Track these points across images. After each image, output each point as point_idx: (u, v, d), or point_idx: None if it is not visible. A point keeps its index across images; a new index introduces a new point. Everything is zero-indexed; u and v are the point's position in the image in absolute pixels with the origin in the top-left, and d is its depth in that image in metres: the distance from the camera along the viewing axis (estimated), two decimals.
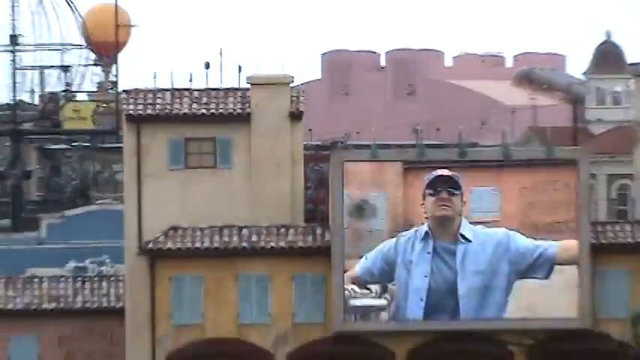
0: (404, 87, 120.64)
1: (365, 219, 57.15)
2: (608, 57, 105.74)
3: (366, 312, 57.86)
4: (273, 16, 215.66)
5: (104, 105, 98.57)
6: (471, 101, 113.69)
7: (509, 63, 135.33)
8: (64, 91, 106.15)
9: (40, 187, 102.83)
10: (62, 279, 68.36)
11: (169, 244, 58.71)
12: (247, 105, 61.23)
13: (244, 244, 58.64)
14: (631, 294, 58.37)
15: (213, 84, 65.22)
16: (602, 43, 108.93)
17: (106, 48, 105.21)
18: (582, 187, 59.02)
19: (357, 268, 57.51)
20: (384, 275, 57.35)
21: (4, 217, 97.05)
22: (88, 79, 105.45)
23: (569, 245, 57.42)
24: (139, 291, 59.25)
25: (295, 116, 61.74)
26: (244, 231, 59.00)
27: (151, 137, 60.73)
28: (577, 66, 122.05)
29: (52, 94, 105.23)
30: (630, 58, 75.06)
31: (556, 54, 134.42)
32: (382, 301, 57.62)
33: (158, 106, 61.90)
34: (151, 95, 62.92)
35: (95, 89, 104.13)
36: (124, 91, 73.19)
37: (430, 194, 56.95)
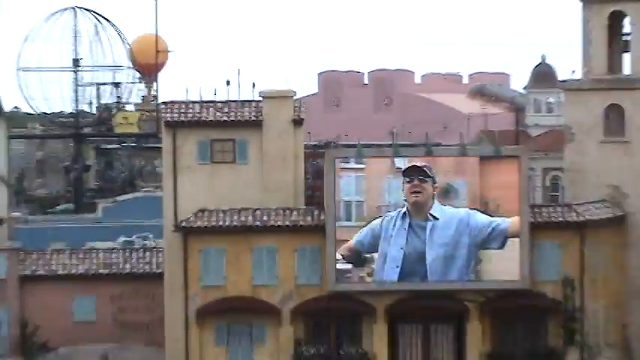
0: (382, 99, 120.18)
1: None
2: (543, 75, 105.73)
3: (342, 274, 58.26)
4: (279, 43, 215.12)
5: (147, 114, 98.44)
6: (436, 111, 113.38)
7: (465, 80, 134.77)
8: (115, 102, 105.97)
9: (97, 178, 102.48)
10: (114, 250, 68.65)
11: (198, 223, 59.07)
12: (259, 113, 61.39)
13: (257, 222, 58.92)
14: (561, 262, 58.57)
15: (233, 97, 65.45)
16: (538, 65, 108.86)
17: (148, 69, 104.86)
18: (523, 177, 59.33)
19: (353, 239, 57.78)
20: (371, 246, 57.58)
21: (68, 202, 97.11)
22: (135, 93, 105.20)
23: (516, 220, 57.73)
24: (174, 260, 59.54)
25: (297, 122, 61.82)
26: (257, 212, 59.26)
27: (184, 139, 61.06)
28: (519, 82, 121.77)
29: (106, 105, 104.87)
30: (560, 76, 74.98)
31: (502, 73, 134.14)
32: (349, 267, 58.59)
33: (189, 115, 62.13)
34: (183, 106, 63.21)
35: (140, 101, 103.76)
36: (162, 102, 73.70)
37: (406, 182, 57.26)
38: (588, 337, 58.75)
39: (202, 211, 59.42)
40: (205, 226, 59.08)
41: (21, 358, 63.16)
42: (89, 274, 64.63)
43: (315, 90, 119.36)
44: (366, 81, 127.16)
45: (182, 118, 61.88)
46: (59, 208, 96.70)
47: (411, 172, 57.48)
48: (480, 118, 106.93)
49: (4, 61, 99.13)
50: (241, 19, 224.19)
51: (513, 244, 57.90)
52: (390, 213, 57.59)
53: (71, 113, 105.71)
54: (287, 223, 59.17)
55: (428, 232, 57.23)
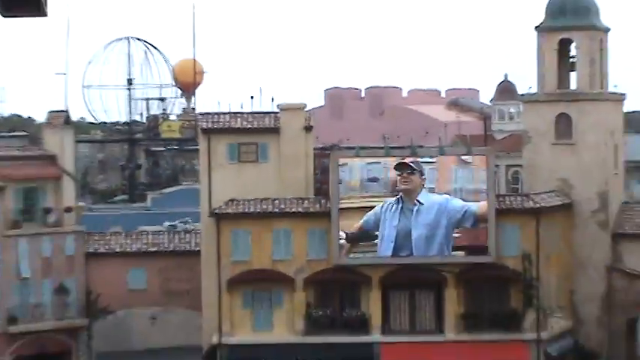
0: (377, 110, 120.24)
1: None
2: (506, 90, 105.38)
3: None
4: (293, 66, 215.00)
5: (187, 122, 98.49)
6: (419, 119, 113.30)
7: (443, 94, 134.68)
8: (161, 114, 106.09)
9: (146, 174, 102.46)
10: (160, 232, 68.54)
11: (229, 210, 59.08)
12: (277, 122, 61.34)
13: (276, 209, 58.99)
14: (521, 240, 58.51)
15: (256, 109, 65.66)
16: (502, 82, 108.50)
17: (187, 86, 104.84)
18: (490, 172, 59.50)
19: (362, 220, 57.95)
20: (375, 225, 57.55)
21: (124, 194, 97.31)
22: (177, 106, 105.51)
23: (484, 205, 57.65)
24: (209, 240, 59.48)
25: (307, 129, 61.75)
26: (276, 201, 59.23)
27: (217, 142, 61.07)
28: (486, 96, 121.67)
29: (154, 115, 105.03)
30: (520, 90, 74.87)
31: (473, 88, 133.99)
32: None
33: (221, 123, 62.25)
34: (216, 116, 63.39)
35: (181, 112, 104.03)
36: (199, 113, 73.63)
37: (398, 174, 57.59)
38: (543, 301, 58.74)
39: (232, 200, 59.44)
40: (234, 213, 59.19)
41: (86, 320, 63.28)
42: (140, 251, 64.85)
43: (322, 103, 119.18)
44: (363, 95, 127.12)
45: (215, 126, 62.05)
46: (116, 198, 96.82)
47: (400, 168, 57.82)
48: (454, 125, 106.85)
49: (72, 80, 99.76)
50: (263, 46, 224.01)
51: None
52: (389, 200, 57.62)
53: (126, 122, 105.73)
54: (300, 209, 59.29)
55: (414, 214, 57.35)
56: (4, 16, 8.58)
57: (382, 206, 57.68)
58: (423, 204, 57.34)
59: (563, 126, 63.43)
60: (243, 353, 58.51)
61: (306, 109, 64.53)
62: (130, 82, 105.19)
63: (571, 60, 64.71)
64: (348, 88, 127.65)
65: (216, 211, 59.28)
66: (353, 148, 67.19)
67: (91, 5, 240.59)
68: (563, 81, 64.63)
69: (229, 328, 58.88)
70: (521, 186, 66.24)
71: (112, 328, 68.62)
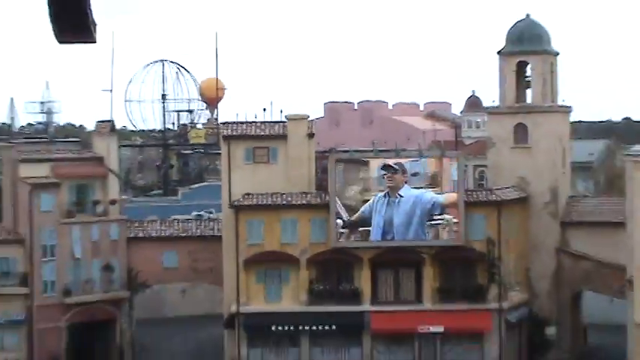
0: (367, 121, 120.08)
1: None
2: (473, 104, 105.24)
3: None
4: (297, 83, 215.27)
5: (211, 130, 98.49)
6: (402, 128, 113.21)
7: (421, 107, 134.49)
8: (190, 123, 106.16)
9: (178, 173, 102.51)
10: (189, 220, 68.57)
11: (245, 202, 58.87)
12: (285, 130, 61.19)
13: (284, 202, 58.81)
14: (485, 227, 58.41)
15: (268, 119, 65.60)
16: (470, 97, 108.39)
17: (211, 100, 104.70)
18: (460, 170, 59.63)
19: (360, 210, 58.12)
20: (369, 215, 57.73)
21: (159, 189, 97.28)
22: (202, 117, 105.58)
23: (448, 196, 57.93)
24: (229, 227, 59.45)
25: (310, 136, 61.65)
26: (284, 195, 59.05)
27: (235, 147, 60.91)
28: (457, 108, 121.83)
29: (184, 124, 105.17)
30: (485, 104, 74.88)
31: (446, 102, 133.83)
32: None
33: (239, 131, 62.07)
34: (235, 125, 63.32)
35: (206, 122, 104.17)
36: (221, 123, 73.74)
37: (383, 174, 57.86)
38: (503, 277, 58.67)
39: (247, 194, 59.28)
40: (249, 205, 59.04)
41: (128, 292, 63.27)
42: (172, 236, 64.75)
43: (322, 114, 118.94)
44: (355, 108, 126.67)
45: (234, 133, 61.91)
46: (152, 192, 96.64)
47: (385, 168, 58.08)
48: (431, 133, 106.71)
49: (116, 95, 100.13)
50: (273, 67, 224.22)
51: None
52: (379, 194, 57.72)
53: (160, 130, 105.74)
54: (304, 202, 59.16)
55: (396, 205, 57.44)
56: (59, 42, 8.53)
57: (375, 199, 57.80)
58: (403, 197, 57.52)
59: (521, 133, 63.51)
60: (257, 320, 58.51)
61: (308, 119, 64.24)
62: (163, 97, 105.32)
63: (527, 79, 64.84)
64: (343, 102, 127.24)
65: (235, 203, 59.19)
66: (347, 151, 66.99)
67: (132, 32, 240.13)
68: (520, 96, 64.69)
69: (245, 299, 58.80)
70: (486, 182, 66.31)
71: (149, 300, 68.71)
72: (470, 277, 59.03)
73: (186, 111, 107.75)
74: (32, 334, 60.50)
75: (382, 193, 57.73)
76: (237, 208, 59.04)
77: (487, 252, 58.29)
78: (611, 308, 63.37)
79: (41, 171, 61.92)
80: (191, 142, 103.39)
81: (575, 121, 74.04)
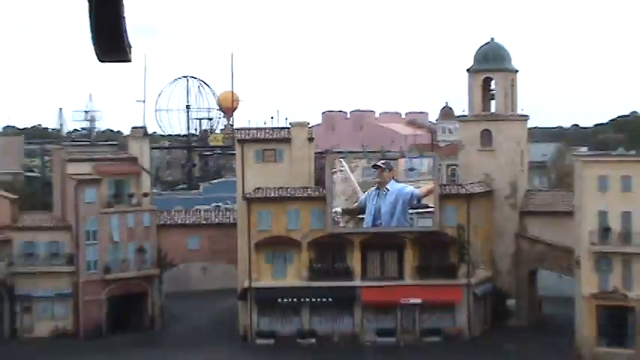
0: (358, 127, 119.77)
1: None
2: (447, 113, 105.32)
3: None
4: (299, 95, 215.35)
5: (227, 135, 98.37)
6: (387, 133, 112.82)
7: (403, 116, 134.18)
8: (209, 129, 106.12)
9: (200, 170, 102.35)
10: (209, 210, 68.33)
11: (256, 195, 58.76)
12: (289, 134, 61.04)
13: (288, 195, 58.66)
14: (457, 216, 58.10)
15: (275, 125, 65.44)
16: (444, 107, 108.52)
17: (227, 110, 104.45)
18: (434, 169, 59.50)
19: (359, 201, 57.60)
20: (364, 204, 57.33)
21: (184, 184, 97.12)
22: (220, 123, 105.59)
23: (422, 189, 57.47)
24: (242, 215, 59.27)
25: (310, 139, 61.48)
26: (288, 189, 58.93)
27: (248, 149, 60.66)
28: (433, 117, 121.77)
29: (204, 130, 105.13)
30: (457, 113, 74.81)
31: (424, 112, 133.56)
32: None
33: (250, 135, 61.94)
34: (247, 131, 63.14)
35: (223, 128, 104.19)
36: (236, 128, 73.50)
37: (374, 171, 57.41)
38: (471, 257, 58.71)
39: (258, 188, 59.21)
40: (259, 197, 58.93)
41: (158, 270, 63.21)
42: (195, 223, 64.54)
43: (320, 121, 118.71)
44: (348, 116, 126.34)
45: (246, 137, 61.70)
46: (178, 187, 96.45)
47: (375, 167, 57.81)
48: (412, 137, 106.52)
49: (148, 105, 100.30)
50: (279, 82, 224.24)
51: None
52: (372, 187, 57.41)
53: (185, 135, 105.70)
54: (305, 195, 59.05)
55: (383, 196, 57.31)
56: (100, 61, 8.52)
57: (369, 191, 57.64)
58: (389, 190, 57.38)
59: (486, 138, 63.47)
60: (266, 293, 58.46)
61: (308, 126, 64.20)
62: (187, 107, 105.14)
63: (491, 92, 64.82)
64: (337, 111, 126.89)
65: (247, 196, 59.05)
66: (341, 152, 66.99)
67: (162, 52, 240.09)
68: (485, 106, 64.66)
69: (256, 276, 58.75)
70: (457, 179, 66.14)
71: (175, 276, 68.69)
72: (443, 258, 58.99)
73: (207, 119, 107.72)
74: (78, 305, 60.54)
75: (375, 187, 57.65)
76: (249, 200, 58.96)
77: (458, 236, 58.29)
78: (561, 283, 63.53)
79: (85, 169, 61.95)
80: (210, 144, 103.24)
81: (532, 127, 73.95)
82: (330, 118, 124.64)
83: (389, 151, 71.47)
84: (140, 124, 73.57)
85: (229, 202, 71.84)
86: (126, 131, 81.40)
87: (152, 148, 73.56)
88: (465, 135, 65.12)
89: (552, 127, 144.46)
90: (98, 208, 61.11)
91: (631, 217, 52.29)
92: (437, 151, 75.33)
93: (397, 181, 57.69)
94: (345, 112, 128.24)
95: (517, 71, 65.33)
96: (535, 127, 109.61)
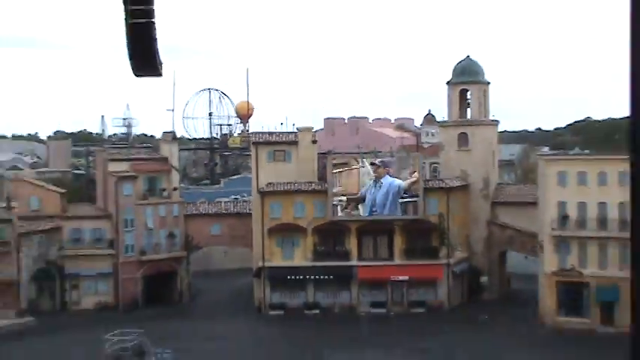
0: (354, 131, 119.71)
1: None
2: (430, 119, 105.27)
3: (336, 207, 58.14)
4: (305, 104, 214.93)
5: (244, 138, 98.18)
6: (379, 137, 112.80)
7: (392, 121, 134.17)
8: (229, 133, 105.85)
9: (221, 168, 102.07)
10: (229, 202, 68.16)
11: (268, 189, 58.62)
12: (296, 138, 60.97)
13: (295, 189, 58.49)
14: (438, 206, 58.03)
15: (284, 130, 65.32)
16: (427, 114, 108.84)
17: (244, 117, 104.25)
18: (417, 166, 59.44)
19: (360, 192, 57.63)
20: (364, 195, 57.41)
21: (207, 179, 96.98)
22: (238, 129, 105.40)
23: (407, 182, 57.24)
24: (257, 206, 59.12)
25: (314, 142, 61.39)
26: (295, 184, 58.82)
27: (261, 150, 60.43)
28: (418, 122, 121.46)
29: (224, 134, 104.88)
30: (438, 119, 74.58)
31: (410, 118, 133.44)
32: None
33: (263, 138, 61.61)
34: (261, 134, 62.92)
35: (240, 132, 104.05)
36: (251, 133, 73.34)
37: (371, 168, 57.52)
38: (450, 241, 58.66)
39: (270, 183, 59.13)
40: (271, 191, 58.80)
41: (185, 252, 63.20)
42: (217, 213, 64.55)
43: (322, 127, 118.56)
44: (346, 122, 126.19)
45: (260, 140, 61.55)
46: (203, 182, 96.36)
47: (372, 164, 57.92)
48: (400, 140, 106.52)
49: (177, 113, 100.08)
50: (287, 93, 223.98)
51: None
52: (371, 181, 57.35)
53: (208, 138, 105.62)
54: (309, 189, 58.82)
55: (378, 189, 57.25)
56: (136, 76, 8.51)
57: (368, 184, 57.58)
58: (382, 183, 57.30)
59: (463, 140, 63.37)
60: (276, 272, 58.44)
61: (312, 131, 64.06)
62: (210, 114, 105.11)
63: (467, 101, 64.66)
64: (337, 118, 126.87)
65: (261, 190, 58.96)
66: (340, 153, 66.90)
67: (188, 68, 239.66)
68: (462, 113, 64.53)
69: (269, 257, 58.69)
70: (438, 174, 65.98)
71: (200, 257, 68.79)
72: (427, 241, 58.88)
73: (226, 124, 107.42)
74: (117, 282, 60.60)
75: (372, 180, 57.56)
76: (263, 194, 58.90)
77: (439, 223, 58.18)
78: (526, 263, 63.43)
79: (123, 167, 61.91)
80: (230, 146, 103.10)
81: (501, 131, 73.75)
82: (331, 123, 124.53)
83: (380, 152, 71.37)
84: (170, 130, 73.28)
85: (246, 195, 71.92)
86: (158, 135, 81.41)
87: (180, 150, 73.50)
88: (444, 137, 65.04)
89: (519, 131, 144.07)
90: (134, 200, 61.11)
91: (586, 206, 52.32)
92: (421, 152, 75.12)
93: (392, 176, 57.58)
94: (344, 119, 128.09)
95: (489, 83, 65.16)
96: (504, 131, 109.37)
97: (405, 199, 57.73)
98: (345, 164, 59.57)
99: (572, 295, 52.62)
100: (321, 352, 46.65)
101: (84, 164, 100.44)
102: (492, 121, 64.95)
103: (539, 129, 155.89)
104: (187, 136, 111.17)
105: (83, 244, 60.59)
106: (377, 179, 57.47)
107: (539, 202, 54.83)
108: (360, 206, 58.02)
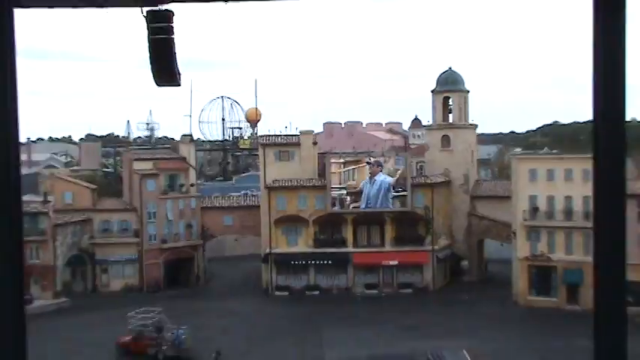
0: (350, 134, 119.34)
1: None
2: (417, 123, 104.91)
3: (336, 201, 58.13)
4: (306, 111, 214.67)
5: (253, 140, 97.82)
6: (371, 139, 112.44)
7: (384, 125, 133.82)
8: (240, 136, 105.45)
9: (233, 166, 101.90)
10: (240, 196, 68.05)
11: (274, 185, 58.62)
12: (299, 140, 60.77)
13: (299, 184, 58.47)
14: (425, 199, 58.22)
15: (288, 132, 65.21)
16: (414, 119, 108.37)
17: (253, 122, 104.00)
18: (407, 164, 59.49)
19: (360, 187, 57.60)
20: (362, 190, 57.45)
21: (221, 176, 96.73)
22: (247, 132, 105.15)
23: (394, 179, 57.29)
24: (265, 200, 59.07)
25: (314, 143, 61.46)
26: (299, 180, 58.72)
27: (269, 150, 60.33)
28: (406, 126, 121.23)
29: (236, 137, 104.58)
30: (424, 123, 74.50)
31: (399, 122, 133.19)
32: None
33: (270, 140, 61.73)
34: (268, 137, 62.94)
35: (249, 135, 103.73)
36: (259, 136, 73.37)
37: (367, 166, 57.75)
38: (435, 230, 58.67)
39: (276, 180, 59.04)
40: (277, 186, 58.74)
41: (201, 240, 63.15)
42: (230, 206, 64.38)
43: (322, 130, 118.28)
44: (343, 126, 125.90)
45: (267, 142, 61.54)
46: (217, 179, 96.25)
47: (368, 164, 58.01)
48: (390, 141, 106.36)
49: (194, 119, 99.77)
50: (291, 100, 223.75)
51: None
52: (367, 178, 57.30)
53: (221, 140, 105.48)
54: (311, 184, 58.73)
55: (372, 185, 57.16)
56: (157, 86, 8.49)
57: (365, 181, 57.56)
58: (376, 180, 57.20)
59: (445, 141, 63.32)
60: (282, 257, 58.39)
61: (313, 133, 64.17)
62: (223, 119, 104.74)
63: (449, 107, 64.58)
64: (335, 122, 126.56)
65: (268, 185, 58.93)
66: (337, 153, 66.73)
67: (204, 79, 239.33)
68: (445, 118, 64.45)
69: (275, 244, 58.70)
70: (424, 172, 65.94)
71: (215, 245, 68.70)
72: (414, 230, 58.88)
73: (237, 128, 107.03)
74: (142, 267, 60.63)
75: (369, 177, 57.54)
76: (270, 189, 58.84)
77: (425, 215, 58.20)
78: (501, 249, 63.40)
79: (147, 166, 61.91)
80: (240, 147, 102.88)
81: (479, 133, 73.71)
82: (329, 127, 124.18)
83: (373, 152, 71.29)
84: (188, 133, 73.16)
85: (254, 190, 71.93)
86: (177, 138, 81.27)
87: (197, 150, 73.41)
88: (429, 139, 65.00)
89: (495, 133, 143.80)
90: (157, 195, 61.12)
91: (554, 200, 52.39)
92: (409, 152, 75.04)
93: (387, 174, 57.64)
94: (340, 123, 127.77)
95: (468, 91, 65.10)
96: (482, 133, 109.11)
97: (399, 193, 57.62)
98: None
99: (541, 277, 52.76)
100: (321, 327, 46.70)
101: (112, 163, 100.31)
102: (471, 124, 64.92)
103: (513, 132, 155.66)
104: (203, 138, 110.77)
105: (111, 233, 60.59)
106: (371, 176, 57.41)
107: (513, 196, 54.83)
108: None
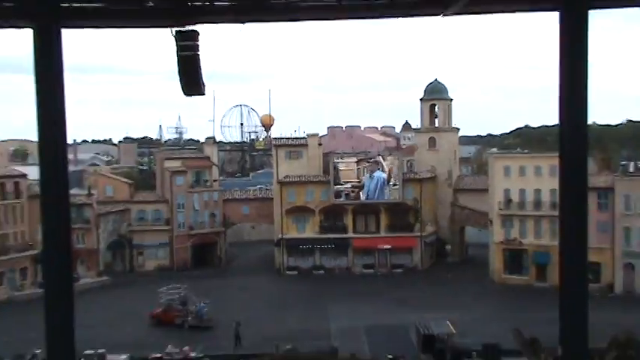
0: (350, 136, 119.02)
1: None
2: (407, 127, 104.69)
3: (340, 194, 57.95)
4: (312, 117, 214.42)
5: (267, 142, 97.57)
6: (369, 141, 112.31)
7: (379, 128, 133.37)
8: (255, 138, 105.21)
9: (250, 164, 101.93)
10: (256, 189, 67.79)
11: (285, 180, 58.32)
12: (306, 141, 60.71)
13: (306, 180, 57.99)
14: (413, 192, 57.94)
15: (297, 135, 65.01)
16: (405, 123, 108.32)
17: (267, 126, 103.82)
18: (399, 163, 59.19)
19: (362, 182, 56.94)
20: (363, 184, 57.00)
21: (239, 173, 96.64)
22: (262, 134, 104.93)
23: (387, 174, 56.95)
24: (277, 193, 58.86)
25: (320, 144, 61.28)
26: (306, 176, 58.39)
27: (281, 151, 60.01)
28: (398, 129, 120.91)
29: (252, 139, 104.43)
30: (414, 126, 74.09)
31: (392, 126, 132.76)
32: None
33: (282, 142, 61.59)
34: (280, 139, 62.76)
35: (264, 137, 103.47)
36: (273, 138, 72.93)
37: (367, 165, 57.33)
38: (423, 219, 58.47)
39: (287, 176, 58.86)
40: (288, 181, 58.51)
41: (223, 228, 63.19)
42: (247, 198, 64.22)
43: (326, 133, 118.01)
44: (344, 129, 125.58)
45: (279, 143, 61.37)
46: (236, 175, 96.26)
47: (368, 162, 57.55)
48: (384, 143, 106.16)
49: (217, 123, 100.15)
50: (299, 107, 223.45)
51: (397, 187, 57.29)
52: (367, 174, 56.80)
53: (240, 142, 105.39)
54: (317, 180, 58.39)
55: (371, 180, 56.91)
56: (185, 95, 8.51)
57: (366, 176, 57.17)
58: (374, 176, 56.99)
59: (432, 142, 63.02)
60: (292, 242, 58.25)
61: (319, 136, 63.71)
62: (241, 124, 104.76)
63: (436, 113, 64.26)
64: (337, 126, 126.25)
65: (280, 180, 58.78)
66: (339, 153, 66.48)
67: (225, 89, 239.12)
68: (431, 122, 64.12)
69: (286, 231, 58.53)
70: (413, 168, 65.74)
71: (235, 231, 68.73)
72: (405, 219, 58.62)
73: (254, 131, 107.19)
74: (172, 250, 60.73)
75: (369, 174, 57.17)
76: (282, 184, 58.68)
77: (414, 205, 57.97)
78: (480, 235, 63.21)
79: (176, 164, 61.99)
80: (256, 148, 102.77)
81: (461, 136, 73.43)
82: (332, 130, 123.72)
83: (369, 152, 71.11)
84: (211, 135, 73.22)
85: (268, 185, 72.00)
86: (202, 140, 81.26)
87: (219, 151, 73.41)
88: (418, 141, 64.75)
89: (474, 135, 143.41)
90: (185, 189, 61.17)
91: (525, 192, 52.31)
92: (400, 151, 74.83)
93: (383, 171, 57.29)
94: (342, 127, 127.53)
95: (452, 100, 64.75)
96: (463, 136, 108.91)
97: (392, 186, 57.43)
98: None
99: (514, 258, 52.65)
100: (325, 301, 46.79)
101: (146, 162, 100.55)
102: (454, 128, 64.65)
103: (490, 134, 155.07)
104: (224, 140, 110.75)
105: (146, 222, 60.65)
106: (371, 173, 57.21)
107: (490, 189, 54.70)
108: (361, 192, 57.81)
